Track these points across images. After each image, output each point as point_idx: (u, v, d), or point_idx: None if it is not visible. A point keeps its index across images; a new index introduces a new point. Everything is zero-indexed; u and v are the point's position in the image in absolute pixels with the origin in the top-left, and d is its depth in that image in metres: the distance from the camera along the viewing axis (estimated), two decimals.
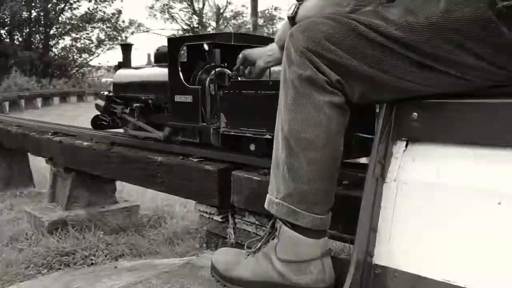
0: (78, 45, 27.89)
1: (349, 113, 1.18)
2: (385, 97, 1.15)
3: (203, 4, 32.71)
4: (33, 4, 25.21)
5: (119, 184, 3.35)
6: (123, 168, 2.53)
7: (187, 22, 33.07)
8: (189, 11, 33.05)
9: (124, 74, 2.70)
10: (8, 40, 25.25)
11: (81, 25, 27.42)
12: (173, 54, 2.14)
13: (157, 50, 2.48)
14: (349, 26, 1.08)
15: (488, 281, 0.92)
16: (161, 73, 2.30)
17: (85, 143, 2.84)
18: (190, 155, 2.19)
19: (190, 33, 29.53)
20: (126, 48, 2.90)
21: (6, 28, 25.35)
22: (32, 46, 25.72)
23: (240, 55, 1.84)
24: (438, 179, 1.05)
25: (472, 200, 0.98)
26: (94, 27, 28.02)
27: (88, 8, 27.48)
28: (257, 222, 1.85)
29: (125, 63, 2.81)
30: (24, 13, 25.04)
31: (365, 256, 1.10)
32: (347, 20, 1.09)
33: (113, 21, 28.10)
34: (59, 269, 2.54)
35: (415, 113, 1.12)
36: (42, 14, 25.76)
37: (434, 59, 1.04)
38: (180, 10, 32.72)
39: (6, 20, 25.01)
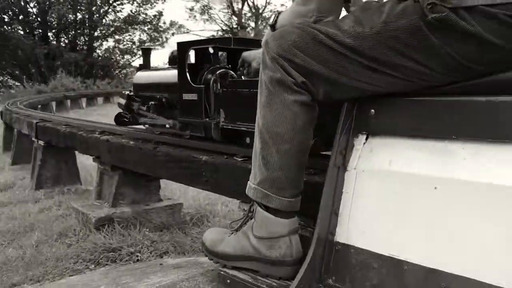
0: (121, 46, 28.61)
1: (317, 110, 1.36)
2: (346, 96, 1.31)
3: (242, 5, 32.90)
4: (78, 7, 26.05)
5: (162, 182, 3.41)
6: (168, 167, 2.57)
7: (226, 23, 33.37)
8: (228, 12, 33.33)
9: (142, 76, 2.94)
10: (55, 42, 26.19)
11: (124, 27, 28.13)
12: (181, 57, 2.36)
13: (172, 53, 2.66)
14: (311, 34, 1.27)
15: (426, 255, 1.10)
16: (172, 74, 2.49)
17: (131, 142, 2.89)
18: (234, 154, 2.20)
19: (230, 34, 29.76)
20: (146, 52, 3.23)
21: (54, 30, 26.32)
22: (77, 47, 26.59)
23: (241, 58, 2.06)
24: (389, 167, 1.22)
25: (415, 185, 1.15)
26: (136, 29, 28.67)
27: (131, 11, 28.15)
28: (302, 222, 1.83)
29: (145, 65, 3.07)
30: (70, 16, 25.92)
31: (326, 234, 1.29)
32: (310, 29, 1.28)
33: (154, 22, 28.67)
34: (106, 264, 2.60)
35: (373, 110, 1.29)
36: (87, 16, 26.57)
37: (379, 63, 1.21)
38: (219, 11, 33.04)
39: (54, 23, 25.95)
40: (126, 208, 3.11)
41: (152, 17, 28.60)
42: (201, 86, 2.27)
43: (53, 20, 25.74)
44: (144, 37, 28.99)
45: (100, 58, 27.62)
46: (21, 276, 2.51)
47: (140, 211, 3.11)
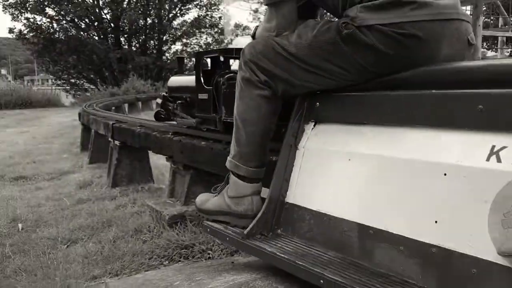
0: (188, 49, 29.40)
1: (279, 102, 1.80)
2: (298, 92, 1.76)
3: None
4: (148, 12, 27.07)
5: None
6: None
7: None
8: None
9: (174, 80, 3.54)
10: (127, 46, 27.38)
11: (191, 31, 28.89)
12: (197, 64, 2.89)
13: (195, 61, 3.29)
14: (271, 45, 1.70)
15: (341, 210, 1.53)
16: (193, 78, 2.98)
17: (203, 143, 2.97)
18: None
19: None
20: (180, 60, 4.33)
21: (126, 35, 27.52)
22: (147, 51, 27.63)
23: None
24: (324, 146, 1.68)
25: (337, 159, 1.60)
26: (203, 32, 29.34)
27: (198, 15, 28.86)
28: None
29: (179, 71, 3.78)
30: (140, 21, 26.99)
31: (278, 196, 1.76)
32: (271, 41, 1.72)
33: (220, 26, 29.21)
34: (179, 261, 2.68)
35: (318, 103, 1.74)
36: (156, 21, 27.54)
37: (313, 67, 1.63)
38: None
39: (126, 28, 27.14)
40: None
41: (218, 19, 29.15)
42: (210, 87, 2.75)
43: (125, 25, 26.92)
44: (210, 39, 29.61)
45: (168, 61, 28.52)
46: (100, 269, 2.64)
47: None
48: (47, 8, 25.27)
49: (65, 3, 24.60)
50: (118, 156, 4.61)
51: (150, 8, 26.93)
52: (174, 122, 3.55)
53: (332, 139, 1.69)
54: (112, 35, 27.00)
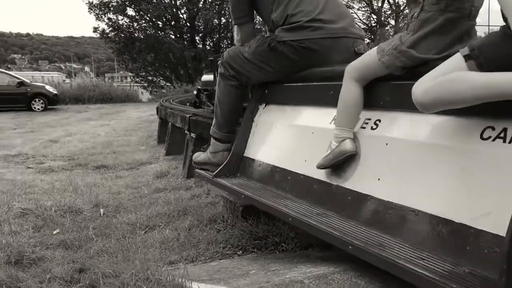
0: None
1: (242, 90, 2.81)
2: (255, 82, 2.82)
3: (382, 3, 31.85)
4: (222, 12, 27.60)
5: None
6: None
7: (365, 21, 32.60)
8: (367, 10, 32.53)
9: (204, 77, 4.98)
10: (201, 45, 28.10)
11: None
12: (213, 65, 3.95)
13: (208, 60, 4.79)
14: (237, 52, 2.74)
15: (279, 160, 2.45)
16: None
17: None
18: None
19: (368, 33, 29.05)
20: (211, 61, 5.67)
21: (200, 34, 28.25)
22: (221, 50, 28.19)
23: None
24: (269, 119, 2.68)
25: (276, 128, 2.58)
26: None
27: None
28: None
29: (211, 70, 4.95)
30: (215, 20, 27.58)
31: (239, 152, 2.76)
32: (237, 49, 2.77)
33: None
34: (253, 251, 2.69)
35: (266, 90, 2.75)
36: (230, 21, 28.00)
37: (258, 67, 2.65)
38: (358, 9, 32.38)
39: (201, 27, 27.85)
40: None
41: None
42: None
43: (200, 24, 27.63)
44: None
45: None
46: (177, 255, 2.71)
47: None
48: (127, 8, 26.50)
49: (145, 3, 25.67)
50: (193, 148, 4.72)
51: (225, 7, 27.45)
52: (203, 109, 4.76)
53: (273, 115, 2.74)
54: (188, 34, 27.81)
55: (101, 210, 3.73)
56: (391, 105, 1.92)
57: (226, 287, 1.64)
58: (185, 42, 26.98)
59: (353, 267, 1.77)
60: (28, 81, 17.36)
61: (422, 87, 1.56)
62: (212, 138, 2.94)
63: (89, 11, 26.70)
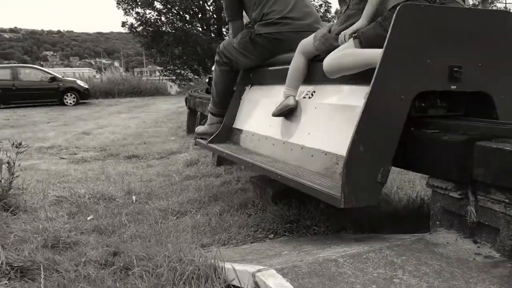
0: None
1: (233, 74, 3.60)
2: (243, 68, 3.56)
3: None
4: None
5: None
6: None
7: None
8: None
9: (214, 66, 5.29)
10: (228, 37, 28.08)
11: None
12: None
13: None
14: (229, 43, 3.50)
15: (257, 128, 3.18)
16: None
17: None
18: (425, 126, 2.06)
19: None
20: None
21: (227, 26, 28.18)
22: None
23: None
24: (253, 97, 3.47)
25: (257, 103, 3.35)
26: None
27: None
28: (506, 200, 1.62)
29: None
30: None
31: (229, 123, 3.57)
32: (229, 41, 3.54)
33: (321, 12, 28.79)
34: (284, 235, 2.67)
35: (251, 74, 3.55)
36: None
37: (243, 55, 3.43)
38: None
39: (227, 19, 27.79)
40: None
41: (318, 6, 28.74)
42: None
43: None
44: None
45: None
46: (209, 238, 2.73)
47: None
48: (155, 2, 26.67)
49: None
50: None
51: None
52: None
53: (256, 94, 3.47)
54: (215, 26, 27.83)
55: (133, 197, 3.78)
56: (321, 80, 2.61)
57: (259, 266, 1.63)
58: (212, 34, 26.99)
59: (388, 246, 1.73)
60: (60, 76, 17.73)
61: (327, 60, 2.34)
62: (209, 113, 3.81)
63: (117, 6, 26.97)
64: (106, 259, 2.43)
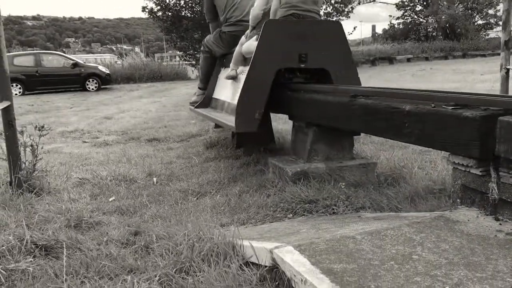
0: None
1: (213, 59, 4.98)
2: (217, 55, 4.95)
3: None
4: None
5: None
6: (365, 120, 2.49)
7: None
8: None
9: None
10: None
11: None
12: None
13: None
14: (210, 37, 4.99)
15: (223, 96, 4.55)
16: None
17: (327, 97, 2.89)
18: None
19: None
20: None
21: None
22: None
23: None
24: (224, 75, 4.51)
25: (224, 81, 4.54)
26: (324, 3, 28.61)
27: None
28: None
29: None
30: None
31: (209, 94, 4.99)
32: (210, 36, 5.01)
33: None
34: (303, 215, 2.67)
35: (224, 59, 4.89)
36: None
37: (217, 45, 4.88)
38: None
39: None
40: (320, 164, 3.15)
41: None
42: None
43: None
44: (330, 9, 28.84)
45: None
46: (228, 218, 2.74)
47: (333, 168, 3.12)
48: None
49: None
50: None
51: None
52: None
53: (225, 73, 4.34)
54: None
55: (154, 179, 3.82)
56: (246, 63, 3.83)
57: (277, 243, 1.63)
58: None
59: (407, 224, 1.72)
60: (82, 62, 17.94)
61: (244, 47, 3.96)
62: (197, 88, 5.26)
63: None
64: (127, 238, 2.47)
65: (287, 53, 3.44)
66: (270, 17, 3.58)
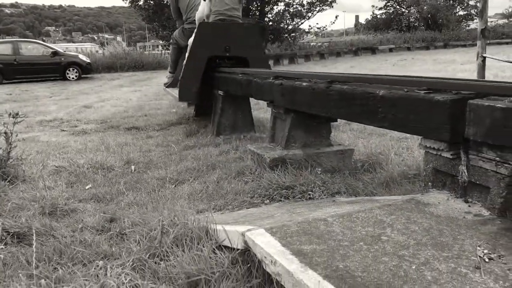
0: (291, 10, 28.93)
1: (180, 49, 6.38)
2: (183, 46, 6.17)
3: None
4: None
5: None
6: (341, 105, 2.50)
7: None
8: None
9: None
10: None
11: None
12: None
13: None
14: (176, 32, 6.51)
15: None
16: None
17: (304, 84, 2.89)
18: (416, 86, 2.03)
19: None
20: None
21: None
22: (250, 13, 27.69)
23: None
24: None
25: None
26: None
27: None
28: (498, 158, 1.61)
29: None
30: None
31: (177, 76, 5.89)
32: (176, 31, 6.51)
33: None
34: (280, 200, 2.68)
35: (186, 49, 5.74)
36: None
37: (181, 38, 6.34)
38: None
39: None
40: (297, 151, 3.16)
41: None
42: None
43: None
44: None
45: (271, 22, 28.38)
46: (205, 205, 2.74)
47: (311, 154, 3.13)
48: None
49: None
50: (221, 106, 4.71)
51: None
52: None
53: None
54: None
55: (132, 167, 3.79)
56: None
57: (250, 226, 1.63)
58: None
59: (379, 207, 1.73)
60: (62, 51, 17.63)
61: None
62: (168, 72, 6.60)
63: None
64: (102, 225, 2.45)
65: (215, 45, 4.90)
66: (205, 20, 5.09)
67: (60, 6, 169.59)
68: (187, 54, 5.11)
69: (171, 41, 6.65)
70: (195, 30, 4.98)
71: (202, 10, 5.16)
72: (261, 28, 6.62)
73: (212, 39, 4.84)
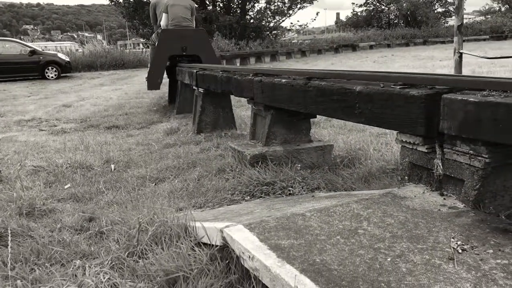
0: (272, 7, 28.96)
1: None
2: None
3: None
4: None
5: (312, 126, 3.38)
6: (320, 101, 2.52)
7: None
8: None
9: None
10: (211, 6, 27.58)
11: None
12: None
13: None
14: (153, 35, 7.56)
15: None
16: None
17: (283, 80, 2.90)
18: (392, 81, 2.05)
19: None
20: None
21: None
22: (231, 11, 27.62)
23: None
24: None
25: None
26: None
27: None
28: (471, 152, 1.63)
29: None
30: None
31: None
32: (153, 35, 7.60)
33: None
34: (260, 197, 2.69)
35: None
36: None
37: (157, 40, 7.45)
38: None
39: None
40: (278, 147, 3.17)
41: None
42: None
43: None
44: None
45: (252, 20, 28.37)
46: (185, 202, 2.73)
47: (291, 150, 3.14)
48: None
49: None
50: (202, 104, 4.70)
51: None
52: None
53: None
54: None
55: (112, 166, 3.75)
56: None
57: (228, 222, 1.64)
58: (196, 4, 26.47)
59: (356, 201, 1.75)
60: (41, 50, 17.34)
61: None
62: (148, 67, 7.28)
63: None
64: (81, 224, 2.43)
65: (174, 47, 6.57)
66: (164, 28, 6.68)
67: (38, 4, 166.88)
68: (153, 55, 6.99)
69: (150, 42, 7.76)
70: (159, 35, 6.63)
71: (164, 20, 6.79)
72: (207, 33, 8.11)
73: (172, 42, 6.51)
